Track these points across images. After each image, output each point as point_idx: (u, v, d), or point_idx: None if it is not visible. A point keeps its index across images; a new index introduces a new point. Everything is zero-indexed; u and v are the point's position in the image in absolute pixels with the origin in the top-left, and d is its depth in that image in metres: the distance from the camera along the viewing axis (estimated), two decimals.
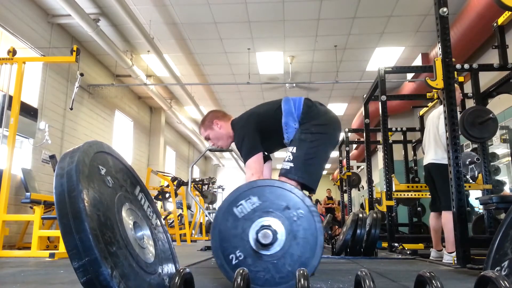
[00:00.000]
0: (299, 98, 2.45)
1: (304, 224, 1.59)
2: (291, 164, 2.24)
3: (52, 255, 3.53)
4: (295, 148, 2.28)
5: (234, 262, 1.56)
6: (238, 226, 1.59)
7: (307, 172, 2.24)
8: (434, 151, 3.68)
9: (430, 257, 3.78)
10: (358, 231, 3.83)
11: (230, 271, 1.56)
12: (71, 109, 4.82)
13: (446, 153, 3.44)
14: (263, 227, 1.54)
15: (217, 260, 1.60)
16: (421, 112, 6.85)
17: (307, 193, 2.08)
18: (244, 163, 2.32)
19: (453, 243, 3.22)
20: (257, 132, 2.35)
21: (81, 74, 4.70)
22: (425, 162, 3.80)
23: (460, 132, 3.10)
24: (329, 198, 13.14)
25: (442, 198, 3.50)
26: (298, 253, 1.56)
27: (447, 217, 3.37)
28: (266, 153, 2.56)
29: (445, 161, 3.43)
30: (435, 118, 3.72)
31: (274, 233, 1.53)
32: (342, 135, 8.77)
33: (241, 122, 2.44)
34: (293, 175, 2.21)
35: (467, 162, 3.49)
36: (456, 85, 3.83)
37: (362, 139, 9.32)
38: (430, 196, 3.98)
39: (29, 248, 4.02)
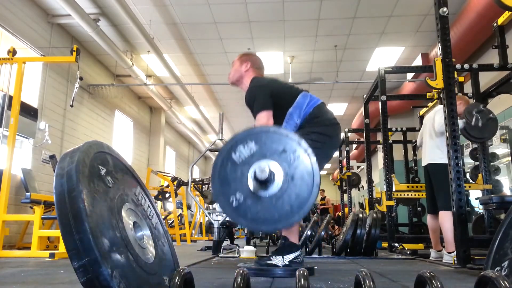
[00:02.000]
0: (317, 100, 2.51)
1: (300, 166, 1.65)
2: None
3: (52, 255, 3.53)
4: None
5: (235, 204, 1.63)
6: (237, 170, 1.65)
7: None
8: (431, 151, 3.68)
9: (430, 257, 3.78)
10: (358, 231, 3.83)
11: (232, 212, 1.63)
12: (72, 106, 4.81)
13: (442, 152, 3.45)
14: (261, 165, 1.61)
15: (219, 203, 1.66)
16: (421, 112, 6.85)
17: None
18: (255, 116, 2.39)
19: (452, 243, 3.23)
20: (270, 97, 2.41)
21: (81, 78, 4.70)
22: (424, 163, 3.80)
23: (460, 132, 3.10)
24: (322, 198, 13.05)
25: (440, 198, 3.50)
26: (295, 192, 1.62)
27: (444, 216, 3.36)
28: None
29: (443, 161, 3.44)
30: (431, 119, 3.72)
31: (271, 172, 1.59)
32: (342, 135, 8.78)
33: (261, 82, 2.53)
34: None
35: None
36: (465, 98, 3.82)
37: (362, 139, 9.32)
38: (426, 197, 3.96)
39: (29, 248, 4.02)
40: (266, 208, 1.61)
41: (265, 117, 2.34)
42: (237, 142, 1.67)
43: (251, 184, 1.62)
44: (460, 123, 3.45)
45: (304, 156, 1.65)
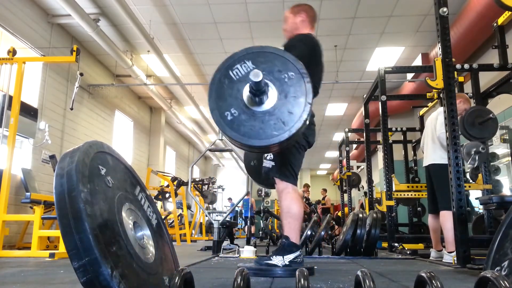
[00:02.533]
0: None
1: (295, 85, 1.70)
2: (273, 163, 2.43)
3: (52, 255, 3.53)
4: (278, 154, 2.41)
5: (229, 118, 1.67)
6: (233, 87, 1.70)
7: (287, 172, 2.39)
8: (432, 151, 3.68)
9: (430, 257, 3.78)
10: (358, 231, 3.83)
11: (225, 126, 1.67)
12: (72, 109, 4.82)
13: (444, 153, 3.45)
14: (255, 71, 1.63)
15: (214, 117, 1.70)
16: (421, 112, 6.85)
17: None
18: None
19: (452, 242, 3.23)
20: (309, 58, 2.39)
21: (81, 74, 4.70)
22: (425, 163, 3.80)
23: (460, 132, 3.10)
24: (322, 198, 13.01)
25: (440, 198, 3.50)
26: (288, 109, 1.67)
27: (445, 216, 3.37)
28: None
29: (444, 161, 3.43)
30: (434, 120, 3.72)
31: (265, 82, 1.62)
32: (342, 135, 8.78)
33: (314, 41, 2.49)
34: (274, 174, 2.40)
35: (473, 152, 3.48)
36: (464, 96, 3.81)
37: (362, 139, 9.32)
38: (427, 197, 3.97)
39: (29, 248, 4.02)
40: (259, 123, 1.65)
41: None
42: (235, 61, 1.72)
43: (246, 99, 1.65)
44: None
45: (298, 76, 1.69)
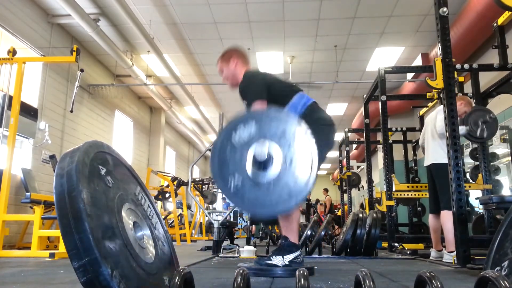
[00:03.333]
0: (310, 100, 2.46)
1: (300, 149, 1.65)
2: None
3: (52, 255, 3.53)
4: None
5: (233, 187, 1.62)
6: (236, 152, 1.65)
7: None
8: (434, 151, 3.68)
9: (430, 257, 3.78)
10: (358, 231, 3.83)
11: (229, 193, 1.63)
12: (71, 111, 4.82)
13: (445, 152, 3.45)
14: (260, 146, 1.61)
15: (217, 185, 1.67)
16: (421, 112, 6.85)
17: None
18: (249, 106, 2.32)
19: (452, 242, 3.23)
20: (265, 88, 2.36)
21: (81, 70, 4.68)
22: (426, 163, 3.80)
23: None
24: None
25: (442, 198, 3.50)
26: (294, 176, 1.61)
27: (446, 216, 3.37)
28: None
29: (445, 160, 3.43)
30: (433, 118, 3.72)
31: (270, 154, 1.58)
32: (342, 135, 8.78)
33: (255, 74, 2.48)
34: None
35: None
36: (466, 98, 3.80)
37: (362, 139, 9.32)
38: (429, 197, 3.97)
39: (29, 248, 4.02)
40: (264, 192, 1.60)
41: (260, 106, 2.28)
42: (237, 124, 1.67)
43: (249, 168, 1.60)
44: (463, 129, 3.44)
45: (303, 138, 1.64)
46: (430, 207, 3.93)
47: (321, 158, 2.39)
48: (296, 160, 1.61)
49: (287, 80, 2.62)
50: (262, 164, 1.57)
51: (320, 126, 2.36)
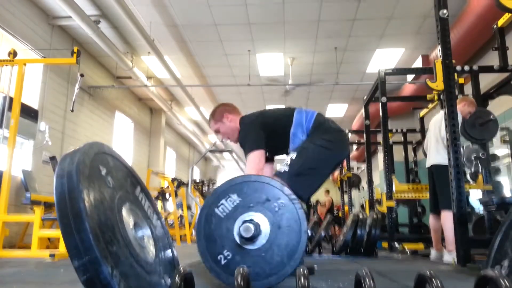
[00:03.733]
0: (312, 112, 2.45)
1: (286, 213, 1.61)
2: (286, 169, 2.25)
3: (52, 255, 3.53)
4: (295, 154, 2.28)
5: (223, 262, 1.57)
6: (222, 226, 1.60)
7: (299, 181, 2.23)
8: (436, 152, 3.69)
9: (430, 257, 3.78)
10: (359, 231, 3.83)
11: (221, 272, 1.57)
12: (72, 111, 4.82)
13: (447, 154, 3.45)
14: (245, 221, 1.56)
15: (206, 264, 1.60)
16: (422, 114, 6.86)
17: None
18: (246, 156, 2.32)
19: (453, 242, 3.24)
20: (262, 131, 2.36)
21: (81, 75, 4.70)
22: (428, 164, 3.81)
23: (460, 133, 3.10)
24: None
25: (442, 198, 3.51)
26: (284, 242, 1.58)
27: (447, 216, 3.37)
28: (268, 154, 2.56)
29: (446, 162, 3.44)
30: (438, 121, 3.72)
31: (257, 225, 1.55)
32: None
33: (249, 119, 2.45)
34: (284, 179, 2.20)
35: (473, 157, 3.47)
36: (468, 98, 3.79)
37: (362, 141, 9.32)
38: (429, 197, 3.98)
39: (29, 248, 4.02)
40: (256, 262, 1.55)
41: (255, 158, 2.26)
42: (219, 196, 1.63)
43: (237, 237, 1.55)
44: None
45: (288, 203, 1.61)
46: (430, 207, 3.93)
47: (335, 163, 2.39)
48: (284, 224, 1.58)
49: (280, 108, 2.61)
50: (249, 238, 1.53)
51: (332, 133, 2.37)
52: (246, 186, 1.65)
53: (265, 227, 1.58)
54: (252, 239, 1.54)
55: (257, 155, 2.27)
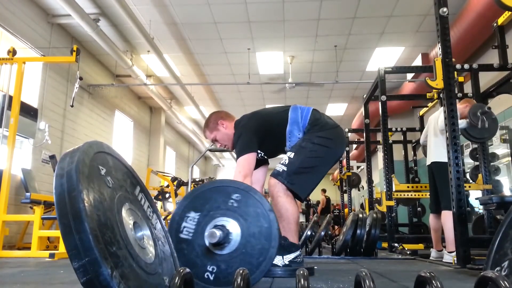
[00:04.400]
0: (308, 108, 2.42)
1: (245, 203, 1.61)
2: (284, 168, 2.23)
3: (52, 255, 3.53)
4: (293, 154, 2.27)
5: (212, 277, 1.56)
6: (194, 247, 1.58)
7: (298, 180, 2.22)
8: (435, 149, 3.68)
9: (430, 257, 3.78)
10: (358, 231, 3.83)
11: (215, 287, 1.55)
12: (72, 106, 4.81)
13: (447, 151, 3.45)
14: (211, 230, 1.54)
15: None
16: (421, 112, 6.85)
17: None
18: (236, 160, 2.32)
19: (453, 242, 3.23)
20: (256, 133, 2.35)
21: (80, 78, 4.69)
22: (428, 162, 3.80)
23: (460, 132, 3.10)
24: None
25: (443, 197, 3.50)
26: (257, 230, 1.58)
27: (447, 216, 3.37)
28: (265, 157, 2.55)
29: (447, 159, 3.45)
30: (436, 117, 3.72)
31: (222, 227, 1.54)
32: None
33: (242, 121, 2.43)
34: (283, 178, 2.21)
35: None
36: (472, 101, 3.77)
37: (362, 139, 9.32)
38: (430, 196, 3.98)
39: (29, 248, 4.02)
40: (242, 260, 1.54)
41: (244, 161, 2.25)
42: (178, 221, 1.61)
43: (213, 249, 1.54)
44: (463, 122, 3.44)
45: (242, 192, 1.61)
46: (430, 206, 3.93)
47: (333, 160, 2.37)
48: (249, 216, 1.58)
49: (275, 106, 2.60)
50: (219, 243, 1.52)
51: (329, 130, 2.36)
52: (196, 199, 1.63)
53: (232, 226, 1.57)
54: (223, 243, 1.53)
55: (246, 159, 2.26)
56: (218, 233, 1.49)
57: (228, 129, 2.50)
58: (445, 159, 3.47)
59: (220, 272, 1.55)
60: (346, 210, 9.05)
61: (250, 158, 2.27)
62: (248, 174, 2.23)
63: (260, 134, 2.35)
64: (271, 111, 2.50)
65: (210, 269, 1.56)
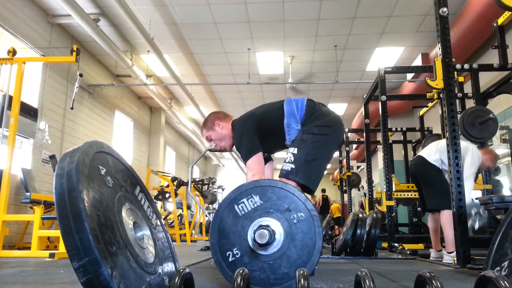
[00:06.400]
0: (302, 99, 2.43)
1: (303, 228, 1.58)
2: (292, 166, 2.23)
3: (52, 255, 3.53)
4: (296, 149, 2.27)
5: (230, 259, 1.57)
6: (238, 223, 1.60)
7: (308, 174, 2.23)
8: (430, 150, 3.67)
9: (430, 257, 3.78)
10: (358, 231, 3.83)
11: (225, 268, 1.57)
12: (72, 108, 4.82)
13: (439, 159, 3.47)
14: (261, 227, 1.55)
15: (214, 256, 1.60)
16: (421, 112, 6.86)
17: (309, 196, 2.08)
18: (245, 163, 2.32)
19: (452, 243, 3.24)
20: (256, 132, 2.35)
21: (80, 75, 4.70)
22: (417, 154, 3.80)
23: (460, 132, 3.10)
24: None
25: (429, 199, 3.54)
26: (295, 255, 1.56)
27: (447, 216, 3.37)
28: (266, 154, 2.55)
29: (436, 163, 3.47)
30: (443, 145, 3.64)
31: (272, 233, 1.54)
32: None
33: (240, 123, 2.43)
34: (294, 176, 2.21)
35: (473, 213, 3.45)
36: (494, 154, 3.67)
37: (362, 139, 9.33)
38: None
39: (29, 248, 4.02)
40: (263, 268, 1.54)
41: (254, 163, 2.26)
42: (241, 194, 1.62)
43: (250, 241, 1.55)
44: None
45: (308, 217, 1.59)
46: (422, 206, 3.94)
47: (334, 147, 2.39)
48: (298, 238, 1.57)
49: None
50: (262, 244, 1.53)
51: (325, 118, 2.37)
52: (270, 190, 1.63)
53: (279, 236, 1.57)
54: (264, 245, 1.53)
55: (255, 161, 2.27)
56: (267, 236, 1.50)
57: (225, 129, 2.51)
58: (434, 162, 3.50)
59: (240, 261, 1.57)
60: (346, 214, 9.03)
61: (258, 158, 2.29)
62: (261, 174, 2.25)
63: (259, 133, 2.36)
64: (266, 110, 2.50)
65: (235, 252, 1.58)
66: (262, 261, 1.56)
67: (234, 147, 2.56)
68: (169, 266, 1.46)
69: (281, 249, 1.56)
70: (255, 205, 1.61)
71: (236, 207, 1.61)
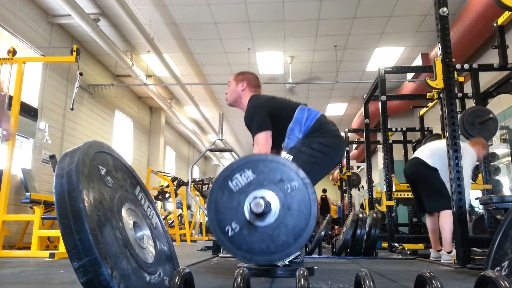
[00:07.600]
0: (316, 112, 2.43)
1: (298, 196, 1.62)
2: None
3: (52, 255, 3.53)
4: (291, 157, 2.28)
5: (230, 233, 1.60)
6: (233, 199, 1.63)
7: None
8: (425, 153, 3.65)
9: (430, 257, 3.78)
10: (358, 231, 3.83)
11: (227, 242, 1.60)
12: (72, 109, 4.82)
13: (437, 163, 3.46)
14: (256, 198, 1.57)
15: (214, 234, 1.63)
16: (421, 112, 6.86)
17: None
18: (253, 137, 2.36)
19: (450, 243, 3.24)
20: (269, 115, 2.39)
21: (80, 74, 4.70)
22: (413, 155, 3.79)
23: (460, 132, 3.10)
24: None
25: (428, 201, 3.53)
26: (292, 223, 1.59)
27: (446, 217, 3.36)
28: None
29: (434, 166, 3.46)
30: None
31: (268, 203, 1.57)
32: (342, 135, 8.78)
33: (260, 100, 2.50)
34: None
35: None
36: (482, 142, 3.64)
37: (362, 139, 9.33)
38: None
39: (29, 248, 4.02)
40: (262, 239, 1.58)
41: (263, 139, 2.31)
42: (234, 170, 1.65)
43: (247, 213, 1.58)
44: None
45: (301, 186, 1.62)
46: (419, 208, 3.93)
47: (328, 168, 2.40)
48: (294, 206, 1.60)
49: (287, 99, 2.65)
50: (259, 214, 1.57)
51: (330, 138, 2.36)
52: (262, 164, 1.67)
53: (276, 206, 1.61)
54: (261, 215, 1.57)
55: (264, 137, 2.32)
56: (263, 205, 1.53)
57: (243, 92, 2.62)
58: (432, 165, 3.48)
59: (240, 235, 1.60)
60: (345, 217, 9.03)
61: (268, 135, 2.34)
62: (268, 150, 2.29)
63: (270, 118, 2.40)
64: (284, 104, 2.53)
65: (233, 227, 1.60)
66: (261, 232, 1.59)
67: (232, 146, 2.58)
68: (169, 266, 1.46)
69: (278, 218, 1.59)
70: (249, 179, 1.64)
71: (230, 183, 1.64)
